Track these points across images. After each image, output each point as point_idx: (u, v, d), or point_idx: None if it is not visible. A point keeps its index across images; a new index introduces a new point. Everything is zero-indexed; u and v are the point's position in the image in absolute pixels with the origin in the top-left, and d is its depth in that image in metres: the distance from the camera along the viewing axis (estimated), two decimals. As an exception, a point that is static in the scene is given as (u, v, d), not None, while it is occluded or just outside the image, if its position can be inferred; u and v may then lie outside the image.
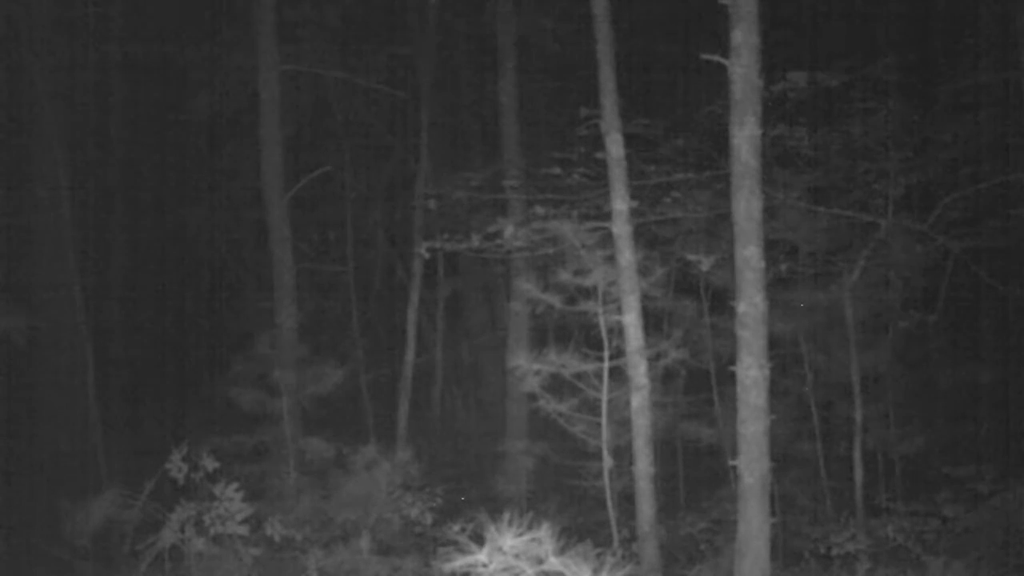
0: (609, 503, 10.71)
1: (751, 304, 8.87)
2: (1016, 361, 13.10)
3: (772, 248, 10.67)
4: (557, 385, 11.04)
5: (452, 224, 13.30)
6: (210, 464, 10.73)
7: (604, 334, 10.69)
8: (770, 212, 10.41)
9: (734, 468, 9.20)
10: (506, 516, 5.89)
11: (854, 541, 11.10)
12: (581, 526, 11.45)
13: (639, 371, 10.35)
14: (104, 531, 10.96)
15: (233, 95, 16.33)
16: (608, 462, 10.72)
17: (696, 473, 13.28)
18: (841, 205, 12.38)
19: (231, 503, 10.53)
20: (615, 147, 10.39)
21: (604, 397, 10.74)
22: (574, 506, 12.61)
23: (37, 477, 14.27)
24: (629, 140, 10.63)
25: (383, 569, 10.76)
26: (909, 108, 12.38)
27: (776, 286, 11.24)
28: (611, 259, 10.53)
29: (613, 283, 10.57)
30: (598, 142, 10.79)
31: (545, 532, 5.85)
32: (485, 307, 17.62)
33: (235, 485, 10.67)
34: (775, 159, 11.86)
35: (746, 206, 8.87)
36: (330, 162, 16.11)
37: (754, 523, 8.92)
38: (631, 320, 10.35)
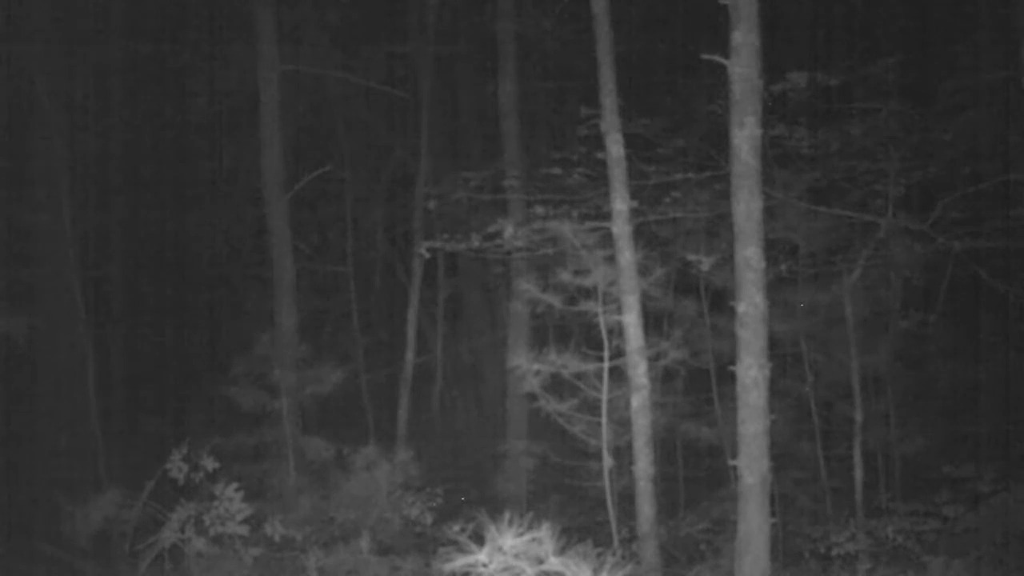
0: (609, 503, 10.70)
1: (751, 304, 8.87)
2: (1016, 361, 13.08)
3: (772, 248, 10.65)
4: (557, 385, 11.03)
5: (452, 224, 13.29)
6: (210, 464, 10.76)
7: (604, 334, 10.68)
8: (770, 212, 10.40)
9: (734, 468, 9.20)
10: (506, 516, 5.88)
11: (854, 541, 11.09)
12: (581, 526, 11.46)
13: (639, 371, 10.35)
14: (104, 531, 10.97)
15: (233, 95, 16.34)
16: (608, 462, 10.71)
17: (696, 473, 13.28)
18: (841, 205, 12.37)
19: (231, 503, 10.55)
20: (615, 147, 10.39)
21: (604, 397, 10.73)
22: (574, 506, 12.61)
23: (37, 477, 14.27)
24: (629, 140, 10.63)
25: (383, 569, 10.77)
26: (909, 108, 12.37)
27: (776, 286, 11.23)
28: (611, 259, 10.52)
29: (613, 283, 10.57)
30: (598, 142, 10.79)
31: (545, 532, 5.84)
32: (485, 307, 17.61)
33: (235, 485, 10.69)
34: (775, 159, 11.85)
35: (746, 206, 8.87)
36: (330, 162, 16.11)
37: (754, 523, 8.92)
38: (631, 320, 10.35)
